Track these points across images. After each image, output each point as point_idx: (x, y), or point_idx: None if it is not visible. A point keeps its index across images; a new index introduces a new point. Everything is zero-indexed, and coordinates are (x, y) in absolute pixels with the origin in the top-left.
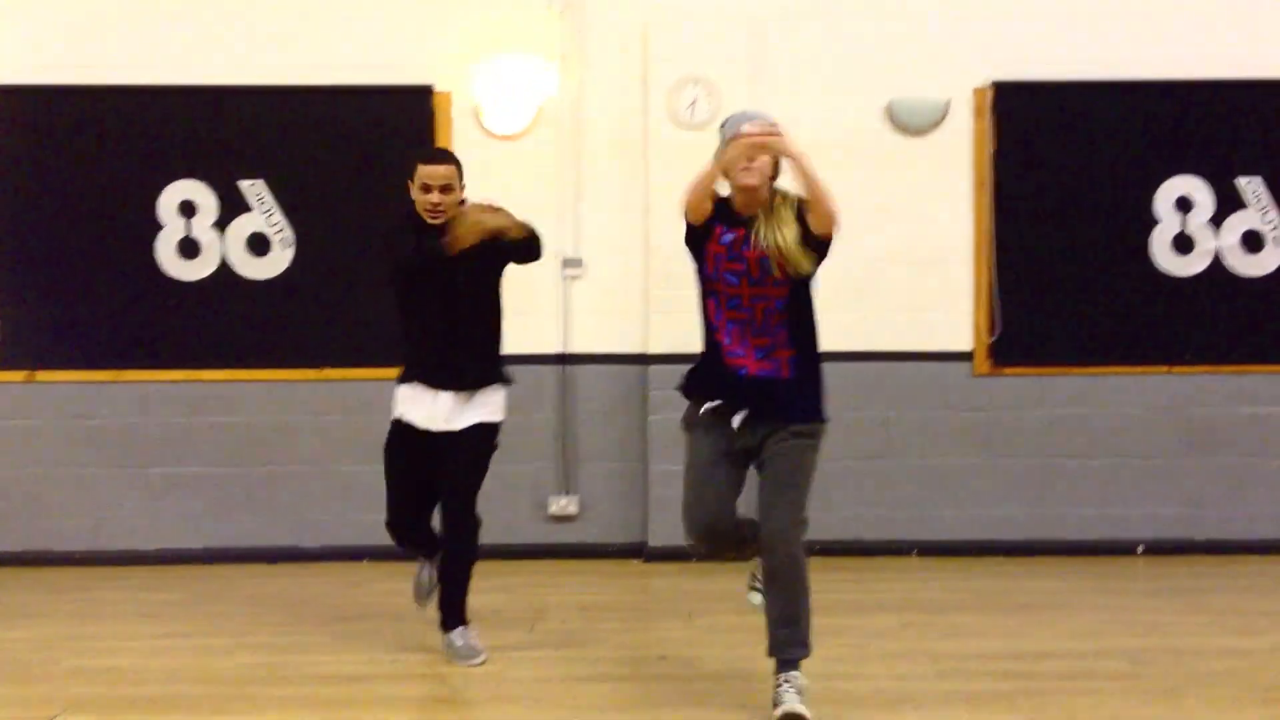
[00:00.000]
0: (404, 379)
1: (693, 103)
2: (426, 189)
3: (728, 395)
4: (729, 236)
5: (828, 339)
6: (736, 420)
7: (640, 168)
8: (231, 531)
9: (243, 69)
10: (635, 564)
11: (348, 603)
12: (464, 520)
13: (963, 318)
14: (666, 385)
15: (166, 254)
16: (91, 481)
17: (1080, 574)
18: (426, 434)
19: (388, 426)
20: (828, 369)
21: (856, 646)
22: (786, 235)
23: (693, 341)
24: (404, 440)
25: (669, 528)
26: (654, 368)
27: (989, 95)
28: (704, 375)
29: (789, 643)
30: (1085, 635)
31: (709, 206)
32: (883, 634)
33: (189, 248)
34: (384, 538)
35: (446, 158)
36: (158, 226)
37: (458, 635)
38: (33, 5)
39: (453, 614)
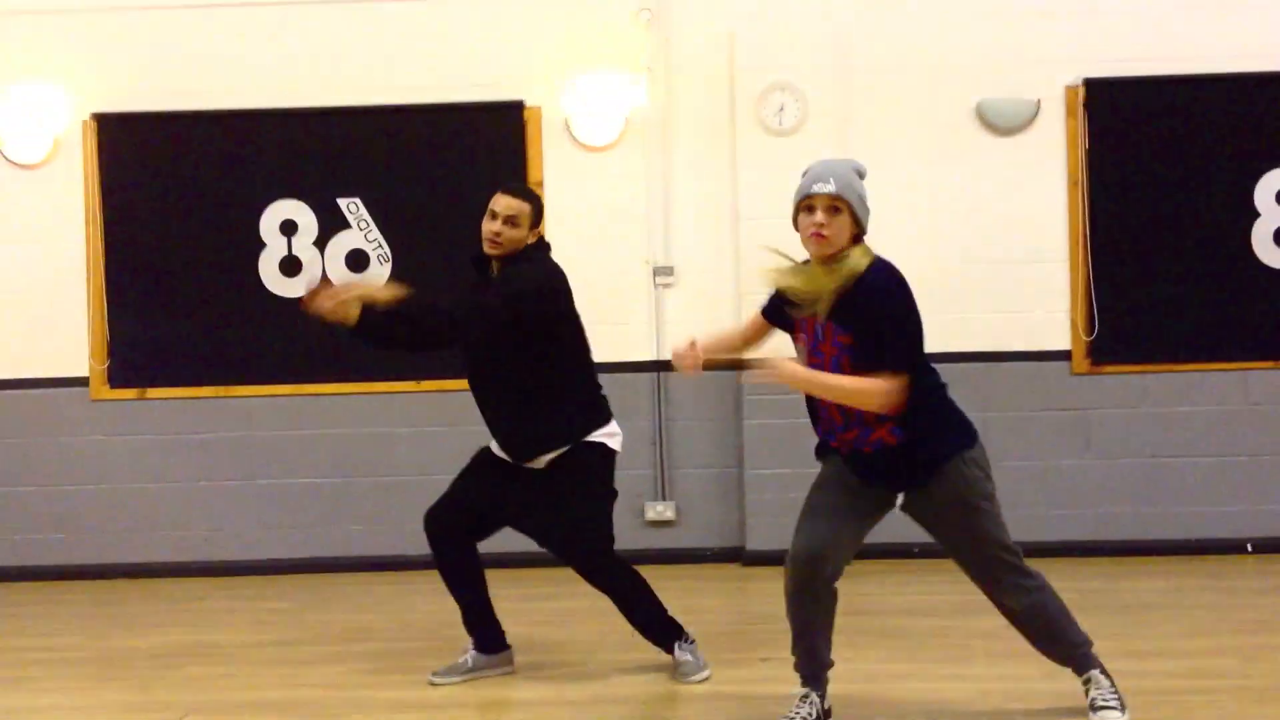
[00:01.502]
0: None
1: (780, 109)
2: (492, 216)
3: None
4: (805, 322)
5: (925, 340)
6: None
7: (729, 175)
8: (338, 540)
9: (336, 91)
10: (733, 568)
11: (451, 609)
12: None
13: (1060, 316)
14: (760, 390)
15: (269, 272)
16: (203, 495)
17: (1188, 573)
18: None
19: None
20: None
21: (962, 647)
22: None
23: (773, 348)
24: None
25: (766, 531)
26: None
27: (1080, 93)
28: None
29: (1068, 660)
30: (1195, 635)
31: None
32: (988, 635)
33: (290, 265)
34: (489, 545)
35: (522, 193)
36: (260, 245)
37: (679, 650)
38: (135, 34)
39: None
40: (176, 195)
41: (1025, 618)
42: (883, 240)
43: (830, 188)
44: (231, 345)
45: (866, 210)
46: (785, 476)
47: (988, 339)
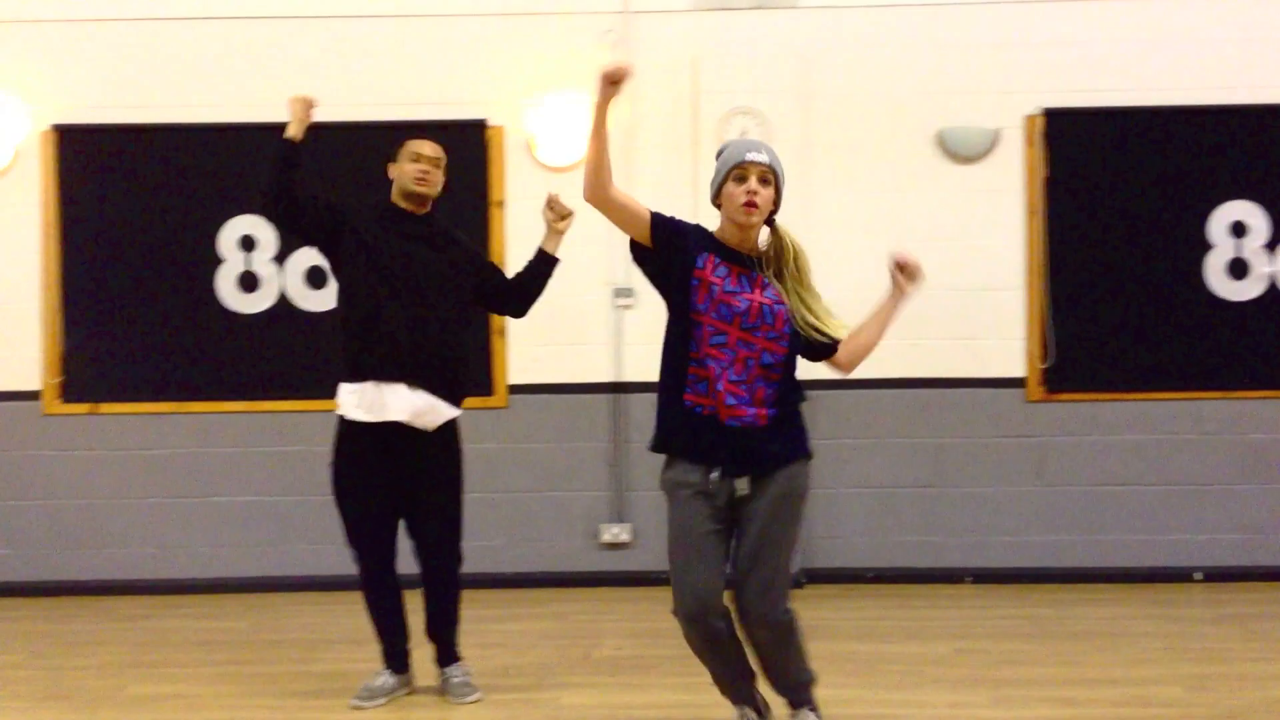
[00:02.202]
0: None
1: (742, 133)
2: (417, 158)
3: (705, 447)
4: (724, 269)
5: (880, 366)
6: (713, 476)
7: (691, 197)
8: (290, 560)
9: None
10: None
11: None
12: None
13: (1015, 344)
14: None
15: (227, 288)
16: (154, 511)
17: (1137, 601)
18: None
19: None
20: (881, 396)
21: (912, 674)
22: (815, 309)
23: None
24: None
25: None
26: None
27: (1040, 122)
28: (677, 426)
29: (795, 688)
30: (1142, 663)
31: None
32: (938, 661)
33: (249, 281)
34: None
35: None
36: (218, 261)
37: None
38: (97, 46)
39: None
40: (135, 209)
41: (774, 637)
42: (841, 264)
43: (764, 158)
44: (187, 361)
45: (784, 183)
46: None
47: (943, 365)
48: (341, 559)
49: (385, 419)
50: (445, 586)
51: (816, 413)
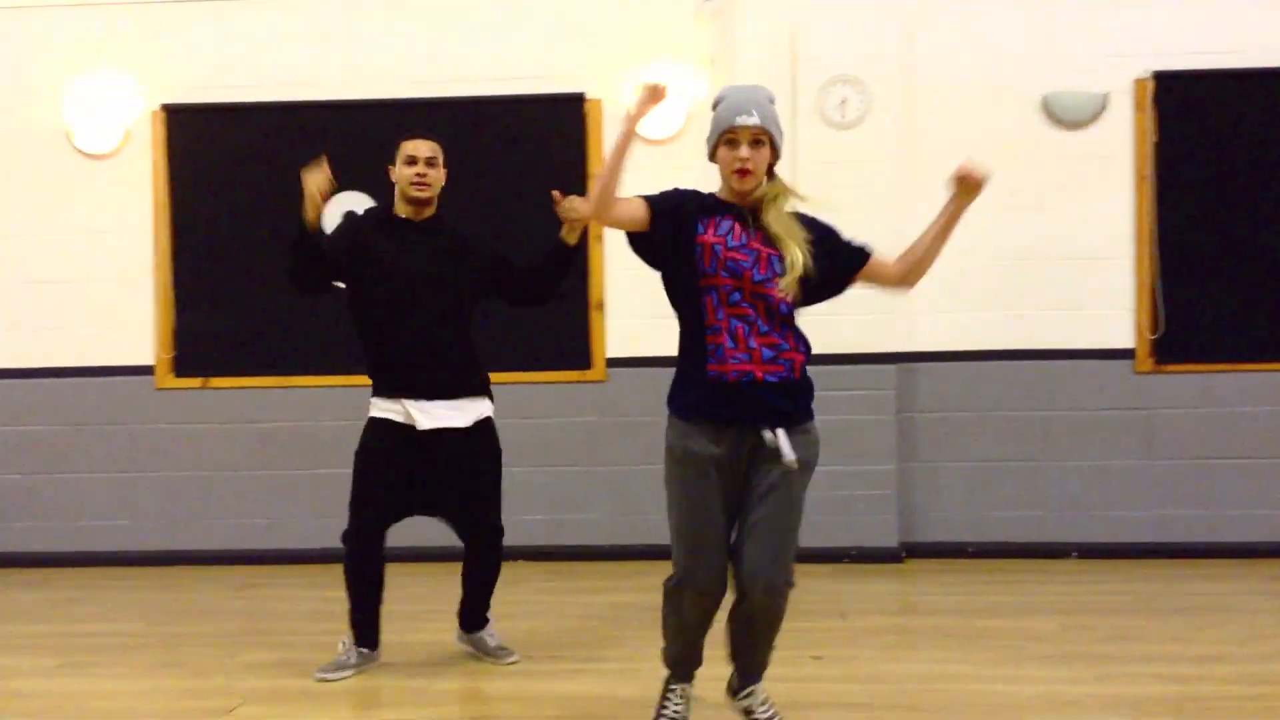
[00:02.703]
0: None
1: (843, 101)
2: (412, 161)
3: (732, 411)
4: (726, 223)
5: (983, 337)
6: (766, 435)
7: (789, 167)
8: (396, 531)
9: (399, 83)
10: None
11: (505, 601)
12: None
13: (1124, 314)
14: (821, 386)
15: None
16: (263, 483)
17: (1247, 576)
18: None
19: (542, 430)
20: (984, 368)
21: (1015, 649)
22: (798, 253)
23: (839, 340)
24: None
25: (818, 529)
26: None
27: (1150, 86)
28: (702, 398)
29: (761, 668)
30: (1254, 639)
31: (623, 210)
32: (1042, 637)
33: None
34: (547, 537)
35: (430, 134)
36: (323, 236)
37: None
38: (204, 26)
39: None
40: (242, 186)
41: (772, 610)
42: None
43: (754, 120)
44: (294, 336)
45: (782, 136)
46: (838, 473)
47: (1048, 337)
48: (443, 529)
49: (416, 426)
50: (490, 566)
51: (917, 385)
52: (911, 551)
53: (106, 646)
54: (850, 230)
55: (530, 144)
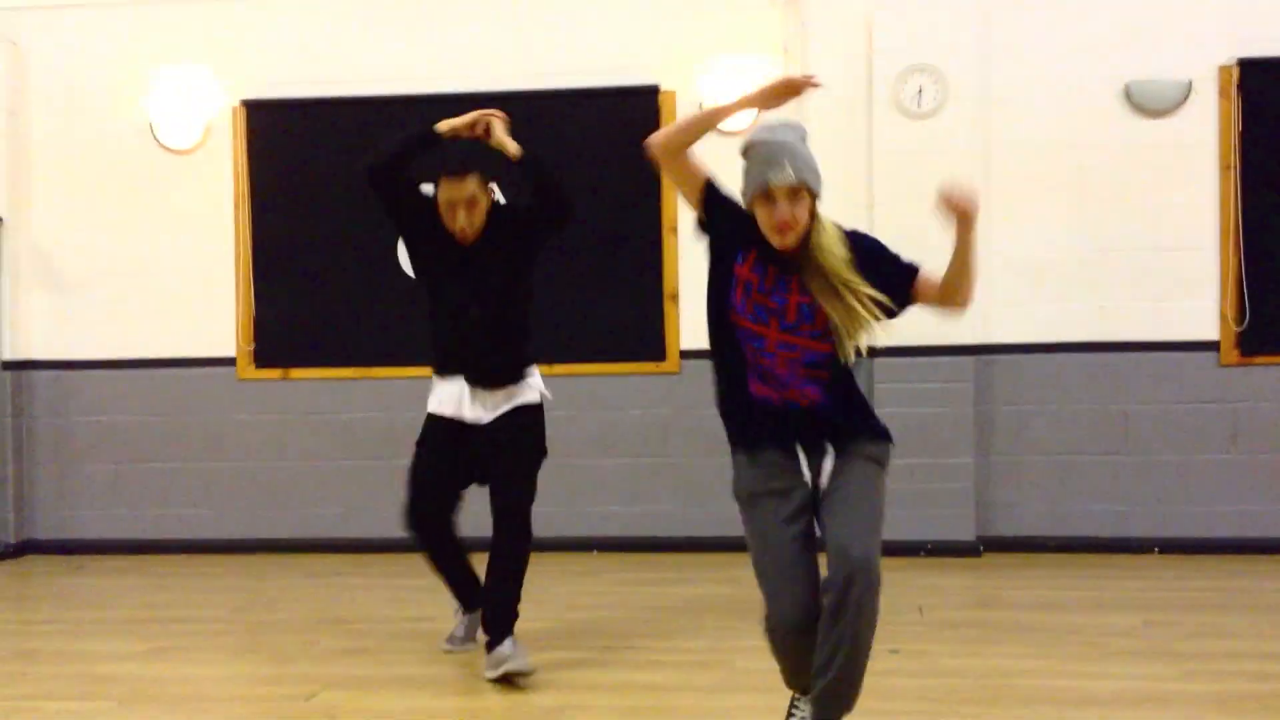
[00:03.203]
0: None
1: (919, 91)
2: (450, 206)
3: (778, 434)
4: (760, 268)
5: (1064, 329)
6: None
7: (865, 159)
8: (472, 520)
9: (474, 77)
10: None
11: (579, 591)
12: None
13: (1208, 306)
14: (892, 378)
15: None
16: (342, 473)
17: None
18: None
19: (615, 421)
20: (1065, 360)
21: (1097, 645)
22: (849, 301)
23: (917, 332)
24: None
25: (896, 522)
26: (880, 360)
27: (1234, 73)
28: (746, 417)
29: (838, 702)
30: None
31: (691, 167)
32: (1124, 633)
33: None
34: (620, 528)
35: (468, 166)
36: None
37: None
38: (279, 22)
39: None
40: (321, 180)
41: (877, 585)
42: (1024, 225)
43: (789, 176)
44: (372, 328)
45: (820, 179)
46: (916, 466)
47: (1130, 328)
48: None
49: (463, 418)
50: (509, 555)
51: (996, 377)
52: (989, 546)
53: (190, 632)
54: (927, 218)
55: (604, 136)
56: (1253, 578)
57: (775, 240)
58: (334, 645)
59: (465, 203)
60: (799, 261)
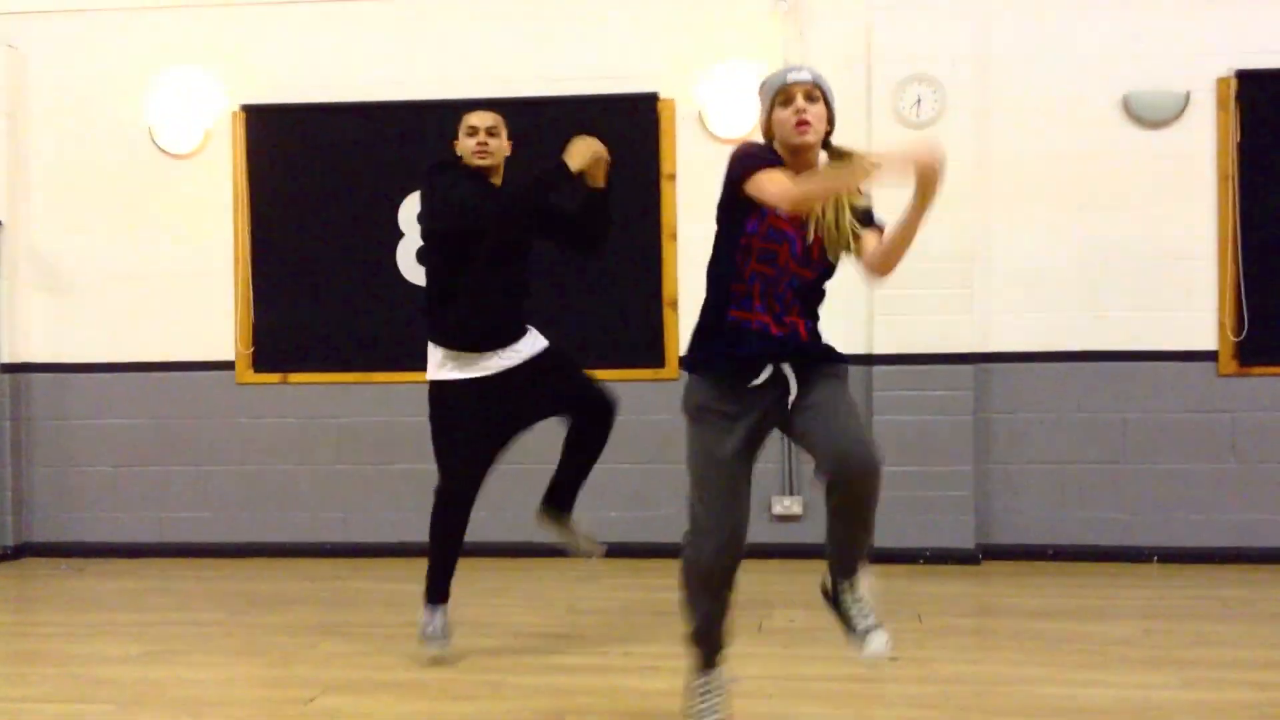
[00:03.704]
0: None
1: (918, 101)
2: (473, 131)
3: (752, 355)
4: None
5: (1063, 337)
6: (761, 378)
7: None
8: (471, 525)
9: (474, 83)
10: None
11: (582, 595)
12: None
13: (1207, 315)
14: (892, 386)
15: (407, 261)
16: (340, 477)
17: None
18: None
19: (615, 428)
20: (1064, 369)
21: (1097, 653)
22: (841, 218)
23: (916, 341)
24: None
25: (895, 530)
26: (879, 368)
27: (1233, 85)
28: (716, 342)
29: (859, 558)
30: None
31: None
32: (1125, 641)
33: None
34: (621, 534)
35: (491, 106)
36: (399, 235)
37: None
38: (278, 27)
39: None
40: (319, 186)
41: (878, 480)
42: (1022, 233)
43: (806, 75)
44: (371, 332)
45: (833, 95)
46: (914, 474)
47: (1129, 338)
48: (516, 526)
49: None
50: (603, 437)
51: (994, 385)
52: (988, 553)
53: (188, 636)
54: (926, 228)
55: (604, 143)
56: (1252, 587)
57: (794, 138)
58: (333, 649)
59: (486, 129)
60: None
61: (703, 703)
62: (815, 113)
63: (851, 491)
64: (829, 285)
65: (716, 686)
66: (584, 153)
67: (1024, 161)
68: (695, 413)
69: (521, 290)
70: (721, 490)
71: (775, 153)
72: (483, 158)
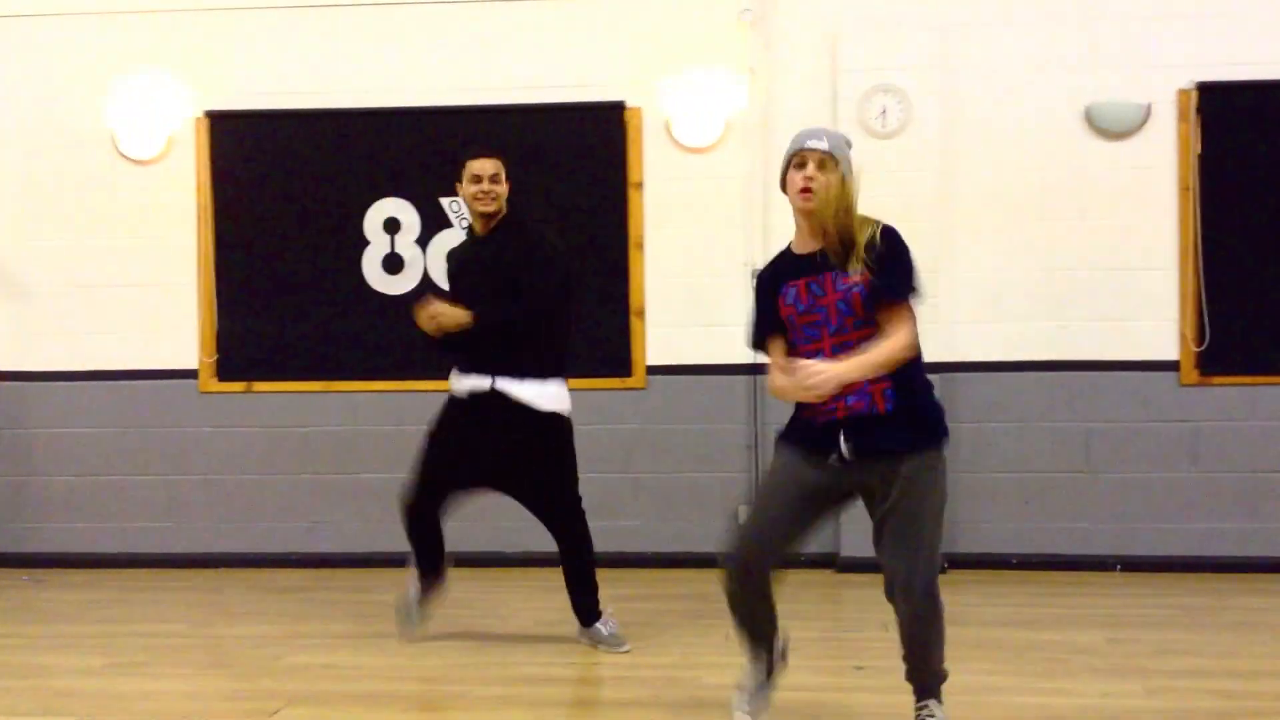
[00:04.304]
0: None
1: (883, 111)
2: (476, 179)
3: (822, 440)
4: (792, 291)
5: (1026, 347)
6: (832, 458)
7: None
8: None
9: (441, 91)
10: (827, 574)
11: (547, 606)
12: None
13: (1168, 326)
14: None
15: (373, 270)
16: (306, 487)
17: None
18: None
19: (582, 437)
20: (1028, 379)
21: (1061, 662)
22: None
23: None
24: None
25: (861, 539)
26: None
27: (1193, 97)
28: (798, 424)
29: (928, 678)
30: None
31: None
32: (1088, 650)
33: (394, 263)
34: (600, 544)
35: (492, 152)
36: (364, 243)
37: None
38: (248, 33)
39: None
40: (284, 193)
41: (915, 614)
42: (987, 246)
43: (822, 144)
44: (336, 341)
45: (854, 176)
46: None
47: (1092, 348)
48: (484, 535)
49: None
50: (566, 551)
51: (958, 395)
52: (954, 563)
53: (151, 647)
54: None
55: (571, 151)
56: (1214, 595)
57: (797, 203)
58: (298, 661)
59: (489, 177)
60: (820, 254)
61: (737, 695)
62: (822, 181)
63: (898, 613)
64: None
65: (755, 685)
66: (425, 323)
67: (987, 172)
68: (778, 443)
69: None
70: (765, 505)
71: (762, 284)
72: (484, 204)
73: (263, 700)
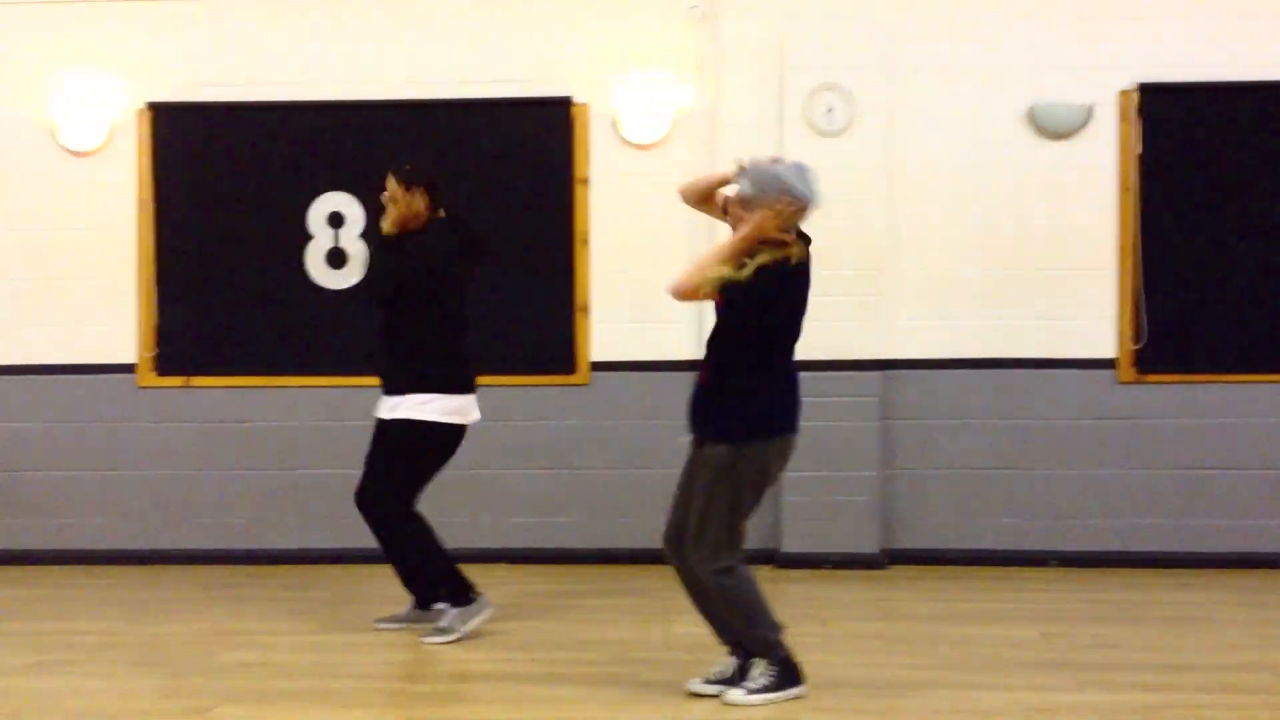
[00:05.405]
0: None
1: (829, 109)
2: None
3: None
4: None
5: (966, 345)
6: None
7: None
8: (361, 536)
9: (387, 84)
10: (767, 570)
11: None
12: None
13: (1107, 324)
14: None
15: (316, 264)
16: (244, 483)
17: (1225, 587)
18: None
19: (524, 433)
20: (967, 376)
21: (997, 657)
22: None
23: (823, 347)
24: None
25: (801, 534)
26: None
27: (1135, 98)
28: None
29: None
30: (1231, 649)
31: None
32: (1022, 644)
33: (337, 257)
34: (528, 540)
35: (393, 171)
36: (308, 237)
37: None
38: (191, 24)
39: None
40: (227, 186)
41: (685, 581)
42: (930, 244)
43: (744, 188)
44: (277, 336)
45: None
46: (821, 479)
47: (1032, 346)
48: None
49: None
50: (380, 541)
51: (900, 392)
52: (894, 558)
53: (83, 645)
54: (834, 236)
55: (517, 146)
56: (1147, 590)
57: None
58: (231, 658)
59: (387, 199)
60: None
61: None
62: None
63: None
64: None
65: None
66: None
67: (930, 171)
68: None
69: (387, 347)
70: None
71: None
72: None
73: (193, 698)
